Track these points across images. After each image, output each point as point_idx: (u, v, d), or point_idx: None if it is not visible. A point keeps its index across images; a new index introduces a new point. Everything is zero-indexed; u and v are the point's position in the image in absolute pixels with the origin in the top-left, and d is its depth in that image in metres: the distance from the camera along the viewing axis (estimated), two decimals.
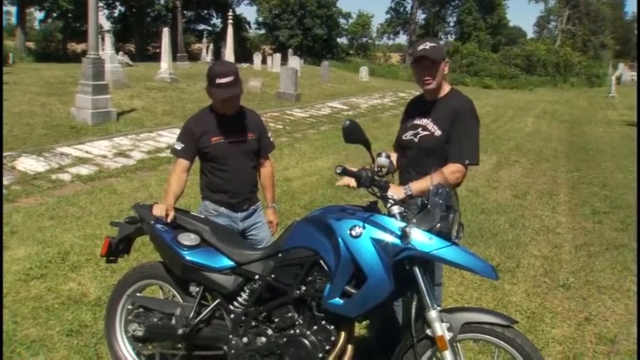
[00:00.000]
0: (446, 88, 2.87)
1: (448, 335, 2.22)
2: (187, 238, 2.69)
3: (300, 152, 10.36)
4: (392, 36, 57.87)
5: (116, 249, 2.98)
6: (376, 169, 2.34)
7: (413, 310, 2.31)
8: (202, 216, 3.05)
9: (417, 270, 2.25)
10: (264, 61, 30.22)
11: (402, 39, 59.50)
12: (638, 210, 7.18)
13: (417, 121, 2.88)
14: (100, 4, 16.68)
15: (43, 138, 9.81)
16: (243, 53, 36.89)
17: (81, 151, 9.13)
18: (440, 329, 2.22)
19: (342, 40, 54.15)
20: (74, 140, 9.90)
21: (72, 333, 3.42)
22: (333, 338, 2.37)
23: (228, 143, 3.05)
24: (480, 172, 9.39)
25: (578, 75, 40.87)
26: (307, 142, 11.44)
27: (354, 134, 2.35)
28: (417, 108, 2.96)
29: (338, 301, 2.29)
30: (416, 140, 2.86)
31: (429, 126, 2.81)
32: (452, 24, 55.12)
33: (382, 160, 2.36)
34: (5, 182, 7.20)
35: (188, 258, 2.64)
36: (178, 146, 3.08)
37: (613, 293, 4.55)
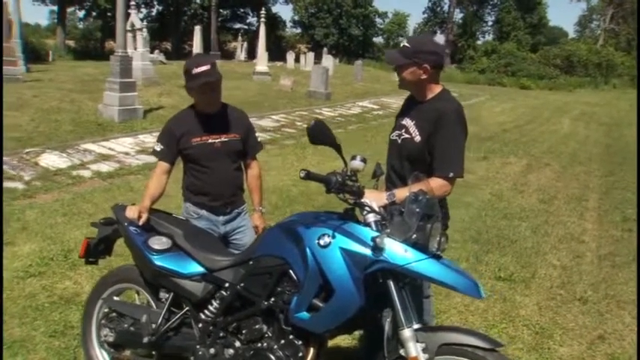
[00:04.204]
0: (435, 90, 2.65)
1: (423, 357, 2.02)
2: (158, 242, 2.58)
3: (323, 152, 10.19)
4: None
5: (95, 250, 2.89)
6: (349, 173, 2.16)
7: (386, 328, 2.13)
8: (183, 218, 2.93)
9: (391, 284, 2.07)
10: (297, 60, 30.18)
11: (440, 39, 58.72)
12: (638, 211, 6.90)
13: (403, 122, 2.69)
14: (134, 3, 16.86)
15: (69, 134, 9.94)
16: (279, 52, 36.95)
17: (104, 148, 9.21)
18: (414, 350, 2.03)
19: (379, 40, 53.87)
20: (99, 137, 10.00)
21: (55, 334, 3.35)
22: (300, 354, 2.21)
23: (209, 144, 2.92)
24: (507, 176, 9.10)
25: (621, 76, 39.35)
26: None
27: (320, 135, 2.17)
28: (407, 107, 2.78)
29: (304, 314, 2.13)
30: (399, 142, 2.68)
31: (411, 129, 2.62)
32: (490, 23, 54.16)
33: (356, 163, 2.18)
34: (26, 178, 7.30)
35: (157, 263, 2.53)
36: (158, 147, 2.97)
37: (633, 309, 4.22)
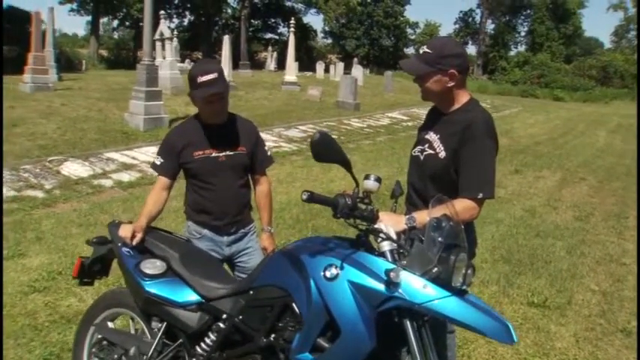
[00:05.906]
0: (462, 98, 2.34)
1: None
2: (151, 266, 2.34)
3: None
4: None
5: (90, 270, 2.67)
6: (361, 195, 1.89)
7: None
8: (184, 238, 2.70)
9: (407, 324, 1.79)
10: (327, 70, 30.02)
11: (472, 49, 58.01)
12: (638, 208, 6.61)
13: (427, 136, 2.39)
14: (163, 13, 16.94)
15: (94, 143, 9.89)
16: (310, 62, 36.90)
17: (127, 157, 9.11)
18: None
19: (410, 50, 53.46)
20: (123, 146, 9.92)
21: (51, 357, 3.15)
22: None
23: (212, 158, 2.67)
24: (540, 190, 8.69)
25: None
26: (360, 153, 10.96)
27: (326, 150, 1.88)
28: (431, 119, 2.47)
29: (307, 356, 1.86)
30: (421, 158, 2.38)
31: (435, 144, 2.32)
32: (523, 34, 53.22)
33: (370, 183, 1.91)
34: (47, 186, 7.23)
35: (148, 289, 2.28)
36: (158, 161, 2.74)
37: None
